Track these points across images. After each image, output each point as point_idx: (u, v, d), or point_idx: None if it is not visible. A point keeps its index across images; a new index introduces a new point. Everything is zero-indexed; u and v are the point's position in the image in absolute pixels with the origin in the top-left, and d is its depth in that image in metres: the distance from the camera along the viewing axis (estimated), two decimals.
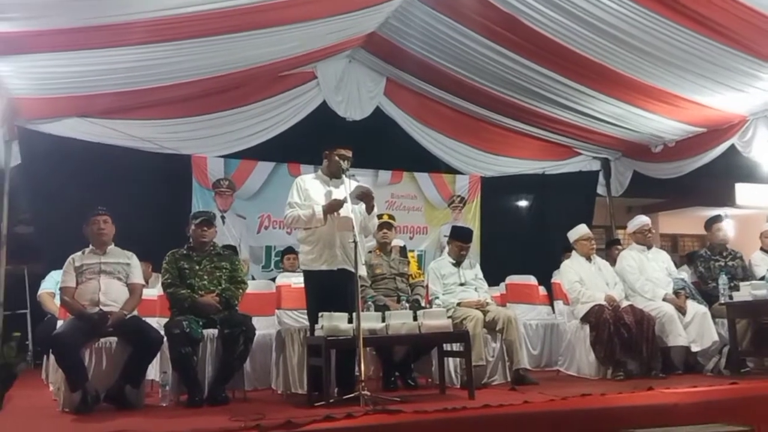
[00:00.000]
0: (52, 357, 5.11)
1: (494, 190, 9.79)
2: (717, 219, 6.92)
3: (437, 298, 5.85)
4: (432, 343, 5.28)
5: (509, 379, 5.67)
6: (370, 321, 4.74)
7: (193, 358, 4.91)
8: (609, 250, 8.47)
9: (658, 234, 13.23)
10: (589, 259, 6.48)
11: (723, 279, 6.12)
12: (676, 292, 6.29)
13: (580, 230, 6.59)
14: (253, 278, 7.55)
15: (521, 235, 9.63)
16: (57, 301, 6.04)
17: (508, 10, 6.27)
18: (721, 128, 7.98)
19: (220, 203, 8.40)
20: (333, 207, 4.89)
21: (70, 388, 4.63)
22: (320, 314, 4.68)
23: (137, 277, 5.27)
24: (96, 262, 5.11)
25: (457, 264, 6.16)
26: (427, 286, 6.17)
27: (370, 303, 5.36)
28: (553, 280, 7.36)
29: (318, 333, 4.69)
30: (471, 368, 4.92)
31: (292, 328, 5.54)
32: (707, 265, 6.67)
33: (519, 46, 6.88)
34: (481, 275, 6.26)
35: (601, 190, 10.02)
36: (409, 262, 6.22)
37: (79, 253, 5.17)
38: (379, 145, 8.60)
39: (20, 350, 8.00)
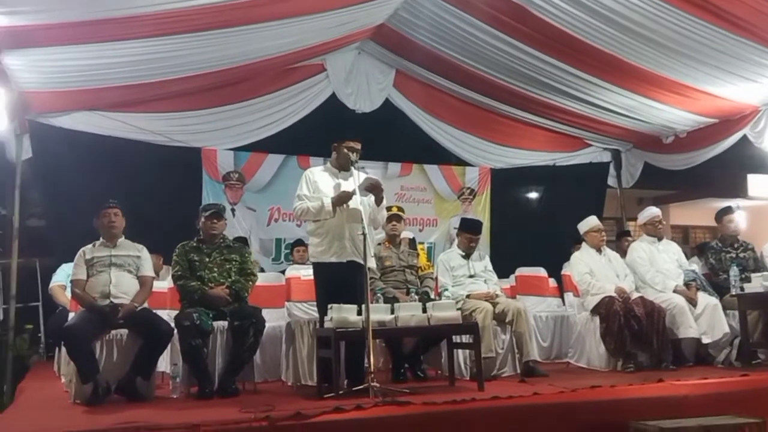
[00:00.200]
0: (63, 349, 5.14)
1: (504, 181, 9.77)
2: (728, 210, 6.87)
3: (446, 290, 5.83)
4: (441, 334, 5.28)
5: (519, 371, 5.66)
6: (379, 313, 4.74)
7: (203, 350, 4.93)
8: (619, 241, 8.44)
9: (669, 225, 13.17)
10: (599, 250, 6.45)
11: (734, 270, 6.08)
12: (686, 284, 6.26)
13: (591, 222, 6.56)
14: (263, 270, 7.56)
15: (531, 227, 9.60)
16: (68, 293, 6.08)
17: (517, 0, 6.23)
18: (733, 119, 7.92)
19: (230, 196, 8.42)
20: (342, 199, 4.88)
21: (81, 380, 4.65)
22: (329, 306, 4.69)
23: (148, 270, 5.29)
24: (107, 254, 5.13)
25: (467, 256, 6.15)
26: (436, 278, 6.17)
27: (379, 295, 5.37)
28: (563, 272, 7.34)
29: (327, 325, 4.69)
30: (480, 360, 4.92)
31: (302, 320, 5.55)
32: (718, 257, 6.62)
33: (529, 37, 6.85)
34: (490, 267, 6.25)
35: (611, 181, 9.99)
36: (418, 254, 6.21)
37: (90, 246, 5.19)
38: (388, 137, 8.58)
39: (32, 342, 8.08)
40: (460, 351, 5.57)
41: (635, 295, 6.08)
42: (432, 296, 5.87)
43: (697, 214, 13.81)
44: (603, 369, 5.91)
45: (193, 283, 5.16)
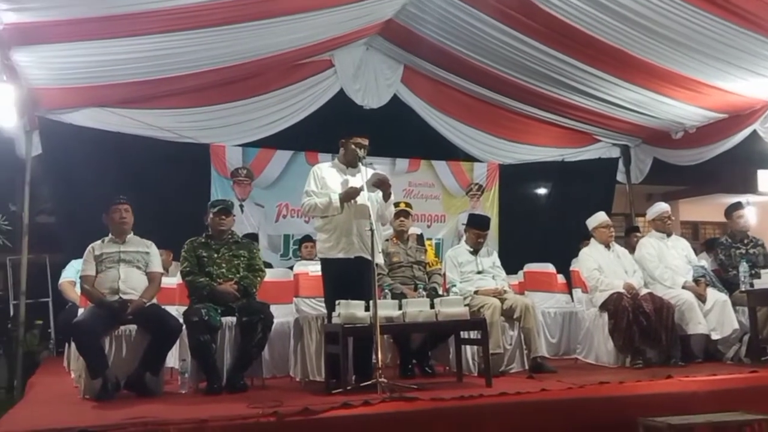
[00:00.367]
0: (73, 345, 5.17)
1: (512, 177, 9.75)
2: (738, 206, 6.84)
3: (454, 286, 5.84)
4: (449, 330, 5.27)
5: (527, 367, 5.65)
6: (387, 309, 4.74)
7: (211, 345, 4.94)
8: (628, 237, 8.41)
9: (678, 221, 13.11)
10: (608, 246, 6.43)
11: (744, 266, 6.05)
12: (696, 280, 6.23)
13: (599, 218, 6.54)
14: (271, 266, 7.58)
15: (540, 223, 9.59)
16: (78, 289, 6.11)
17: None
18: (743, 114, 7.87)
19: (239, 192, 8.43)
20: (350, 195, 4.89)
21: (90, 376, 4.68)
22: (337, 302, 4.70)
23: (156, 266, 5.31)
24: (115, 251, 5.15)
25: (475, 252, 6.14)
26: (444, 274, 6.16)
27: (387, 291, 5.38)
28: (571, 268, 7.31)
29: (335, 321, 4.70)
30: (488, 356, 4.91)
31: (310, 316, 5.56)
32: (728, 253, 6.60)
33: (537, 32, 6.83)
34: (498, 263, 6.24)
35: (620, 177, 9.95)
36: (426, 250, 6.20)
37: (99, 242, 5.21)
38: (396, 133, 8.56)
39: (42, 338, 8.15)
40: (468, 347, 5.56)
41: (644, 291, 6.06)
42: (440, 292, 5.86)
43: (707, 209, 13.74)
44: (611, 365, 5.89)
45: (201, 279, 5.18)
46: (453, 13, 6.94)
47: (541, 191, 10.20)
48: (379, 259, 5.09)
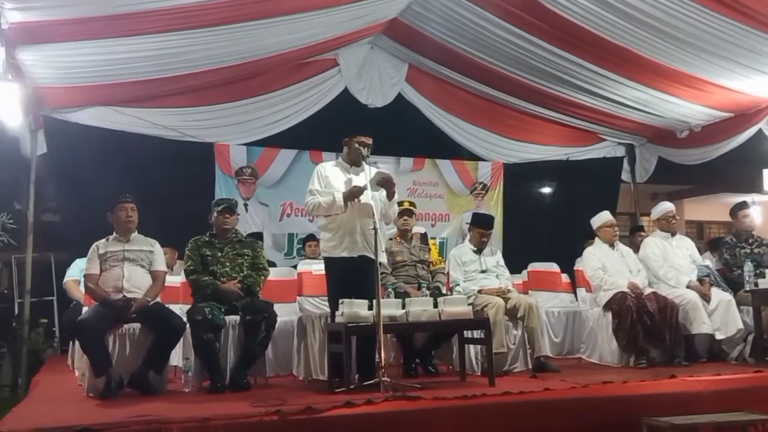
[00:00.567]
0: (77, 343, 5.18)
1: (517, 176, 9.74)
2: (743, 205, 6.82)
3: (458, 285, 5.82)
4: (452, 330, 5.26)
5: (530, 367, 5.64)
6: (390, 308, 4.74)
7: (215, 344, 4.95)
8: (633, 237, 8.40)
9: (683, 221, 13.10)
10: (612, 246, 6.41)
11: (748, 266, 6.03)
12: (700, 280, 6.22)
13: (603, 217, 6.52)
14: (275, 265, 7.59)
15: (544, 222, 9.58)
16: (82, 288, 6.12)
17: None
18: (749, 113, 7.84)
19: (243, 191, 8.44)
20: (353, 194, 4.89)
21: (94, 374, 4.70)
22: (341, 301, 4.70)
23: (160, 265, 5.33)
24: (120, 249, 5.17)
25: (479, 251, 6.13)
26: (448, 273, 6.16)
27: (390, 290, 5.38)
28: (575, 268, 7.30)
29: (339, 320, 4.70)
30: (491, 355, 4.91)
31: (314, 315, 5.56)
32: (733, 252, 6.58)
33: (542, 31, 6.81)
34: (502, 262, 6.23)
35: (625, 176, 9.92)
36: (429, 249, 6.21)
37: (103, 241, 5.23)
38: (400, 132, 8.56)
39: (47, 336, 8.18)
40: (471, 346, 5.55)
41: (648, 291, 6.04)
42: (443, 291, 5.86)
43: (712, 209, 13.74)
44: (615, 365, 5.88)
45: (205, 277, 5.19)
46: (458, 12, 6.93)
47: (546, 190, 10.19)
48: (383, 258, 5.10)
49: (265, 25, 6.46)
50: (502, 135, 9.35)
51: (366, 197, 4.85)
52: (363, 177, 4.94)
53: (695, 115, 8.20)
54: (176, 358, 5.37)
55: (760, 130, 7.77)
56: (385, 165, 7.89)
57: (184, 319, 5.03)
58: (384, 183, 4.89)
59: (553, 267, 7.58)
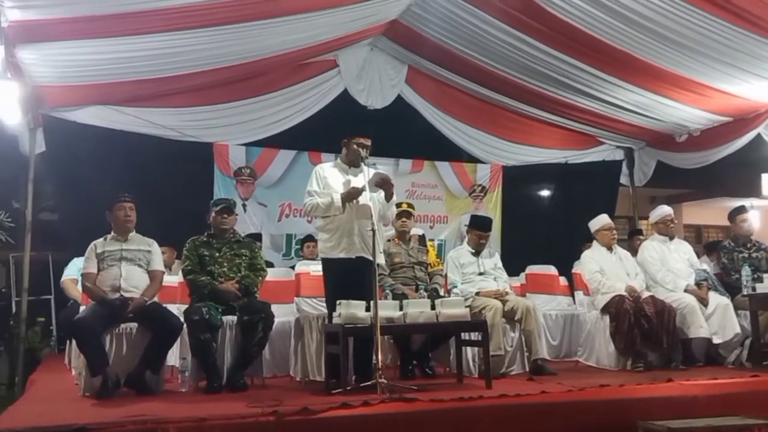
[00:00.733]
0: (74, 342, 5.17)
1: (516, 179, 9.74)
2: (741, 210, 6.82)
3: (456, 287, 5.83)
4: (450, 332, 5.27)
5: (527, 369, 5.64)
6: (387, 309, 4.73)
7: (212, 344, 4.95)
8: (631, 240, 8.41)
9: (681, 225, 13.11)
10: (610, 249, 6.42)
11: (746, 270, 6.04)
12: (698, 284, 6.23)
13: (602, 220, 6.53)
14: (273, 266, 7.59)
15: (542, 225, 9.60)
16: (80, 287, 6.11)
17: None
18: (748, 117, 7.85)
19: (242, 191, 8.43)
20: (351, 195, 4.89)
21: (90, 373, 4.68)
22: (338, 302, 4.70)
23: (158, 264, 5.32)
24: (117, 248, 5.16)
25: (477, 253, 6.13)
26: (445, 275, 6.16)
27: (388, 291, 5.37)
28: (573, 271, 7.30)
29: (336, 321, 4.70)
30: (489, 358, 4.91)
31: (311, 316, 5.56)
32: (731, 257, 6.58)
33: (542, 34, 6.81)
34: (500, 265, 6.24)
35: (624, 179, 9.94)
36: (427, 251, 6.20)
37: (101, 240, 5.22)
38: (400, 134, 8.56)
39: (44, 335, 8.18)
40: (468, 348, 5.55)
41: (646, 294, 6.05)
42: (441, 293, 5.85)
43: (710, 213, 13.75)
44: (612, 368, 5.89)
45: (202, 277, 5.19)
46: (458, 15, 6.94)
47: (544, 193, 10.20)
48: (381, 259, 5.10)
49: (264, 26, 6.46)
50: (501, 137, 9.35)
51: (364, 198, 4.85)
52: (361, 178, 4.94)
53: (694, 119, 8.22)
54: (173, 357, 5.35)
55: (758, 135, 7.79)
56: (384, 166, 7.83)
57: (182, 318, 5.02)
58: (382, 184, 4.89)
59: (551, 270, 7.59)
